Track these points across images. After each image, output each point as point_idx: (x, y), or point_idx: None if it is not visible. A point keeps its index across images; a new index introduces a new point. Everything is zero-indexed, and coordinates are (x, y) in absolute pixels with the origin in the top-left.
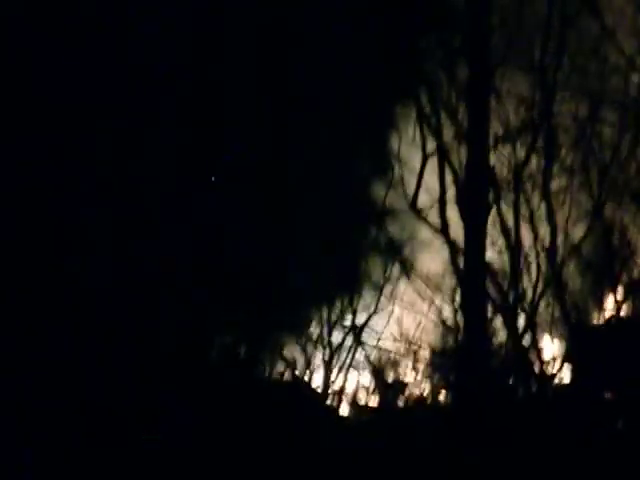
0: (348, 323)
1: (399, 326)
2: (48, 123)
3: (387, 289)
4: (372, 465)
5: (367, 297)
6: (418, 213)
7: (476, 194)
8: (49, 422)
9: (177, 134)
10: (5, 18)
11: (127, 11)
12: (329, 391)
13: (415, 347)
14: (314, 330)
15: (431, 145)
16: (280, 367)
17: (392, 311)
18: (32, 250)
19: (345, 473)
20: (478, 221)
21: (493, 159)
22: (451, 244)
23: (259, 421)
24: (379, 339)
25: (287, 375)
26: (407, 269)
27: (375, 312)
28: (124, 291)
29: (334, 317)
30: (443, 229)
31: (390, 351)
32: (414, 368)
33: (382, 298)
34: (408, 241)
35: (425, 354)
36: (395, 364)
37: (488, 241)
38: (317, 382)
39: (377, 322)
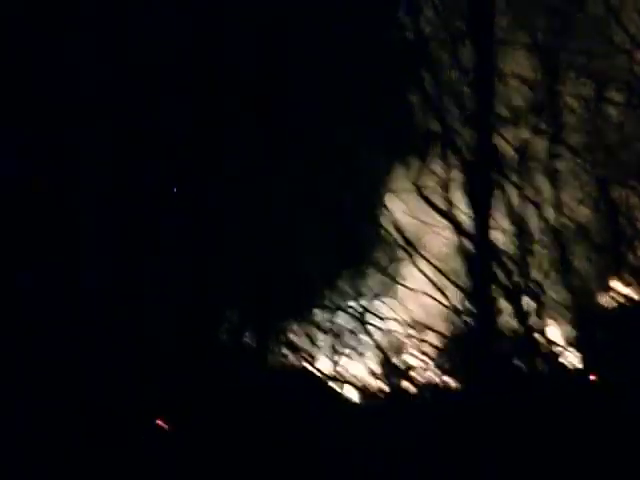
0: (353, 306)
1: (405, 309)
2: None
3: (392, 271)
4: (381, 453)
5: (372, 280)
6: (422, 194)
7: (481, 176)
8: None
9: None
10: None
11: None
12: (334, 376)
13: (422, 330)
14: (318, 314)
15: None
16: (284, 352)
17: (397, 294)
18: None
19: (353, 462)
20: (482, 203)
21: (497, 140)
22: (456, 225)
23: (264, 408)
24: (384, 323)
25: (292, 360)
26: (412, 251)
27: (380, 295)
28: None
29: (338, 300)
30: (447, 211)
31: (397, 335)
32: (422, 352)
33: (387, 280)
34: (412, 223)
35: (433, 337)
36: (402, 348)
37: (493, 223)
38: (322, 367)
39: (382, 305)
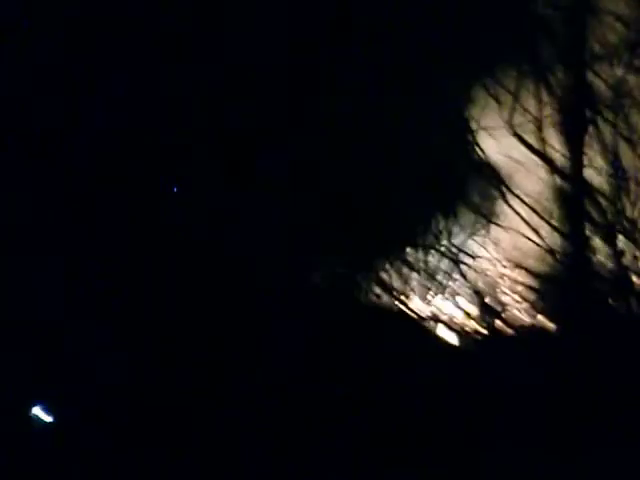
0: (446, 245)
1: (499, 248)
2: None
3: (485, 210)
4: (475, 394)
5: (465, 219)
6: (515, 132)
7: (574, 114)
8: None
9: None
10: None
11: None
12: (428, 317)
13: (516, 270)
14: (412, 253)
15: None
16: (377, 292)
17: (491, 233)
18: None
19: (446, 403)
20: (576, 141)
21: (591, 78)
22: (549, 164)
23: (358, 349)
24: (478, 262)
25: (385, 300)
26: (505, 190)
27: (474, 234)
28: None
29: (432, 240)
30: (541, 149)
31: (491, 274)
32: (516, 292)
33: (480, 219)
34: (505, 161)
35: (527, 277)
36: (496, 288)
37: (587, 161)
38: (415, 307)
39: (476, 245)
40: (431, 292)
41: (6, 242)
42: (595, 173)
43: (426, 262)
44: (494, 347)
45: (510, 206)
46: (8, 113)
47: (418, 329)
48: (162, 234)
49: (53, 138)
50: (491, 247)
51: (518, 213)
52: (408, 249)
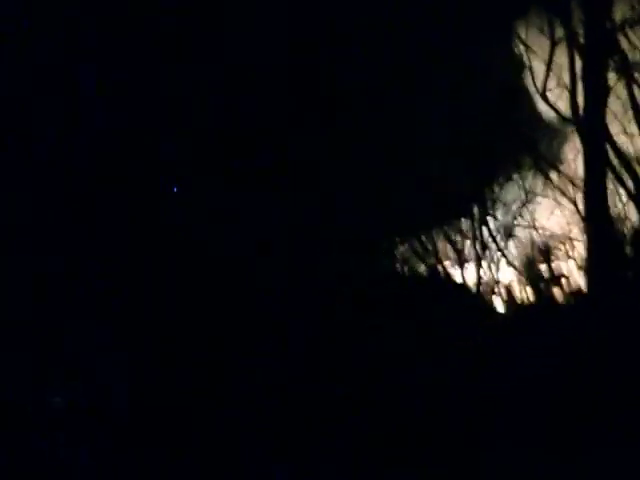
0: (498, 215)
1: (547, 219)
2: None
3: (532, 184)
4: (528, 362)
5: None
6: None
7: (599, 76)
8: None
9: None
10: None
11: None
12: (481, 284)
13: (566, 239)
14: (464, 223)
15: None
16: (431, 260)
17: (540, 205)
18: None
19: (500, 373)
20: (598, 102)
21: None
22: (580, 131)
23: (408, 317)
24: (529, 232)
25: (439, 268)
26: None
27: (524, 205)
28: None
29: (484, 210)
30: (573, 115)
31: (541, 243)
32: (568, 260)
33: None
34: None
35: (576, 245)
36: (548, 257)
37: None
38: (468, 275)
39: (527, 215)
40: (484, 260)
41: (6, 242)
42: (626, 138)
43: (479, 231)
44: (545, 314)
45: (549, 178)
46: (8, 113)
47: (471, 296)
48: (162, 234)
49: (53, 138)
50: (541, 217)
51: (556, 184)
52: (462, 218)
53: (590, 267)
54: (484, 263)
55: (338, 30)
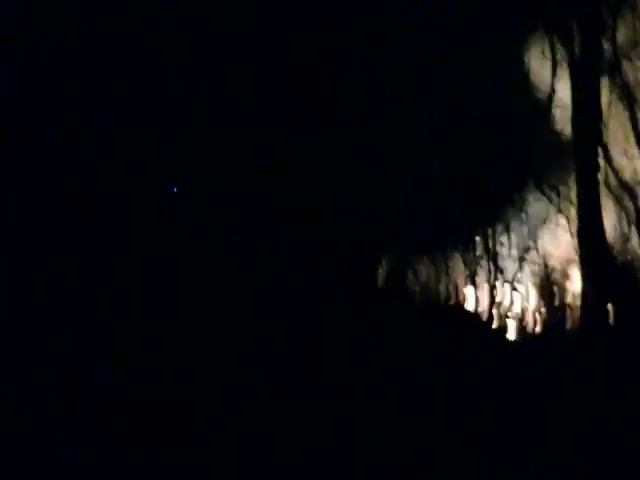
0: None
1: (559, 245)
2: None
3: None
4: (540, 392)
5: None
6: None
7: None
8: None
9: None
10: None
11: None
12: (494, 312)
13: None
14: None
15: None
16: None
17: (551, 231)
18: None
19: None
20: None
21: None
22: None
23: (423, 344)
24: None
25: (450, 289)
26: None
27: (537, 229)
28: None
29: (497, 236)
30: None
31: (552, 268)
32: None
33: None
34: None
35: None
36: (558, 281)
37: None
38: (480, 295)
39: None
40: (496, 281)
41: (6, 242)
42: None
43: (491, 253)
44: (556, 339)
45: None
46: (8, 113)
47: (484, 328)
48: (162, 234)
49: (53, 138)
50: (552, 242)
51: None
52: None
53: (584, 294)
54: (497, 283)
55: (338, 30)
